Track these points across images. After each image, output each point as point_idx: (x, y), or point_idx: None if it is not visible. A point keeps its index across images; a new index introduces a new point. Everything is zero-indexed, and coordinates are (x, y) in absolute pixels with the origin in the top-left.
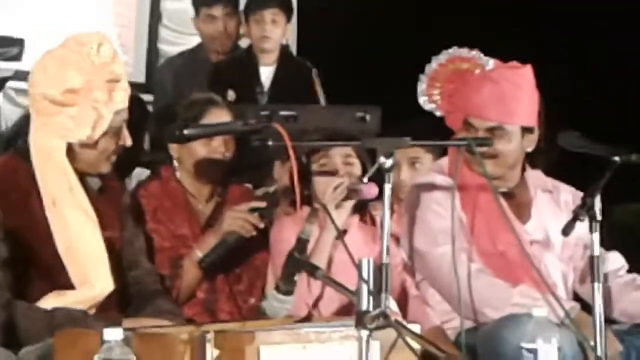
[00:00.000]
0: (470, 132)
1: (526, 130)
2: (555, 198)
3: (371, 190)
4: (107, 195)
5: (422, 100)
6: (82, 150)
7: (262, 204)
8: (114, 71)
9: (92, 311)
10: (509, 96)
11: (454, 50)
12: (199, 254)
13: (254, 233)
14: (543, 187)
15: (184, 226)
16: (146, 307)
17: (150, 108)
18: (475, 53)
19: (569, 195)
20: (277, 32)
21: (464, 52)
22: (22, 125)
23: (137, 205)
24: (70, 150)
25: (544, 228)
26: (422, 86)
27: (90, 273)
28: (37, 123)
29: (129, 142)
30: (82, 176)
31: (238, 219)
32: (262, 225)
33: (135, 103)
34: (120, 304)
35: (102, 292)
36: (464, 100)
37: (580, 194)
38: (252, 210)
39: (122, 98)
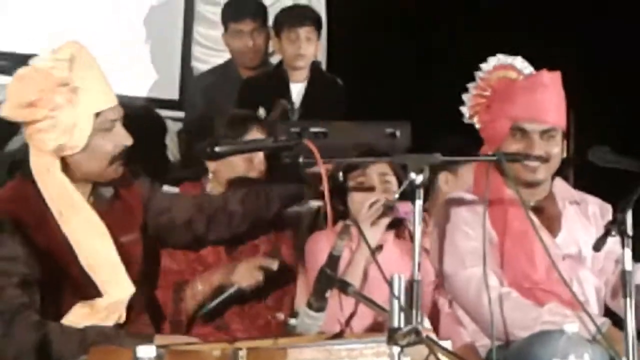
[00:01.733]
0: (517, 138)
1: (563, 136)
2: (583, 210)
3: (406, 208)
4: (122, 200)
5: (465, 110)
6: (78, 159)
7: (274, 265)
8: (64, 75)
9: (122, 319)
10: (557, 100)
11: (499, 58)
12: (199, 287)
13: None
14: (570, 199)
15: None
16: None
17: (181, 125)
18: (518, 60)
19: (596, 207)
20: (311, 50)
21: (509, 59)
22: (24, 149)
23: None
24: (67, 164)
25: (575, 241)
26: (466, 96)
27: (105, 281)
28: (30, 145)
29: (128, 141)
30: (95, 186)
31: (248, 273)
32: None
33: (152, 118)
34: (152, 318)
35: (121, 298)
36: (515, 105)
37: (607, 205)
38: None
39: (93, 99)
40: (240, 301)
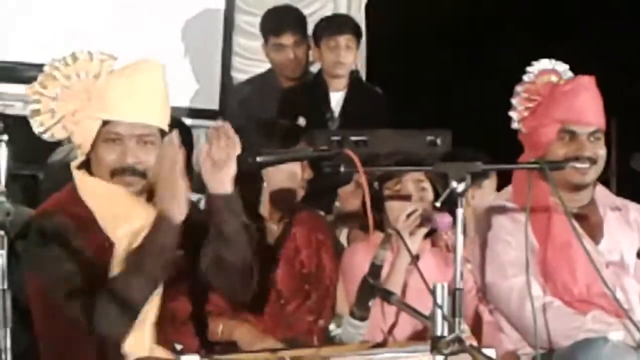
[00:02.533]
0: (565, 142)
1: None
2: (625, 216)
3: (444, 220)
4: None
5: (514, 115)
6: (92, 164)
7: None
8: (66, 72)
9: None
10: (598, 102)
11: (541, 64)
12: (219, 331)
13: None
14: (611, 205)
15: None
16: None
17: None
18: (559, 65)
19: (638, 214)
20: (350, 58)
21: (551, 64)
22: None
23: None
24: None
25: (618, 248)
26: (515, 100)
27: None
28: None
29: (130, 159)
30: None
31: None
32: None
33: (179, 128)
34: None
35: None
36: (561, 108)
37: None
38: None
39: (105, 107)
40: None
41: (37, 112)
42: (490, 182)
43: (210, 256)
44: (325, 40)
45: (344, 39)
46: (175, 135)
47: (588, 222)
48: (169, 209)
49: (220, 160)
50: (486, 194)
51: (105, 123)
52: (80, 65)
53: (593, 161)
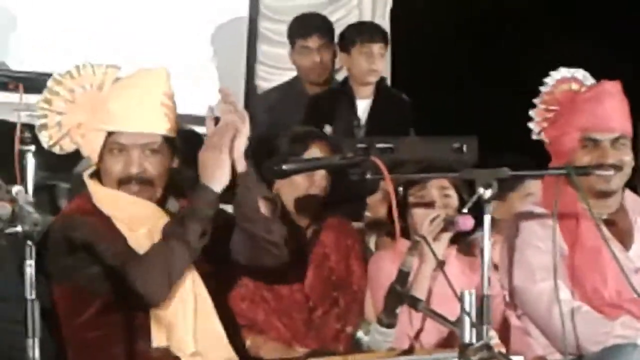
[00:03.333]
0: (589, 149)
1: (632, 145)
2: None
3: (467, 222)
4: None
5: (533, 126)
6: (102, 174)
7: None
8: (70, 85)
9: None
10: (622, 107)
11: (561, 72)
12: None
13: None
14: None
15: None
16: None
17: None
18: (580, 73)
19: None
20: (382, 65)
21: (571, 72)
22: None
23: None
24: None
25: None
26: (534, 112)
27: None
28: None
29: (134, 169)
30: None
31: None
32: None
33: (191, 137)
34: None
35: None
36: (582, 116)
37: None
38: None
39: (109, 119)
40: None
41: (44, 127)
42: (517, 195)
43: (235, 233)
44: (357, 47)
45: (377, 47)
46: (235, 105)
47: (617, 228)
48: (210, 177)
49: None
50: (513, 207)
51: (109, 134)
52: (83, 78)
53: (618, 168)
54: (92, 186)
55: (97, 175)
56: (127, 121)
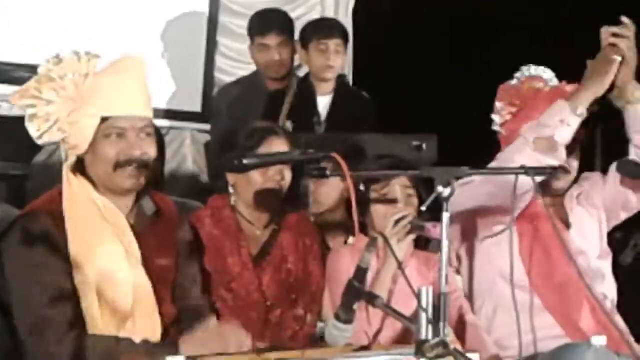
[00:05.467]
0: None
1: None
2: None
3: (437, 230)
4: (163, 220)
5: (496, 118)
6: (88, 163)
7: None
8: (59, 73)
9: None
10: None
11: (530, 70)
12: None
13: None
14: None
15: (233, 255)
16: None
17: (207, 137)
18: (547, 72)
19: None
20: (339, 62)
21: (539, 70)
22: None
23: (195, 233)
24: (84, 169)
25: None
26: (499, 104)
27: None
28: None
29: (136, 152)
30: (137, 200)
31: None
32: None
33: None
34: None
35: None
36: (538, 115)
37: None
38: None
39: (102, 104)
40: None
41: (33, 116)
42: None
43: None
44: (314, 44)
45: (333, 43)
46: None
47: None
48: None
49: None
50: None
51: (104, 120)
52: (68, 66)
53: (568, 171)
54: (71, 180)
55: (78, 169)
56: (123, 105)
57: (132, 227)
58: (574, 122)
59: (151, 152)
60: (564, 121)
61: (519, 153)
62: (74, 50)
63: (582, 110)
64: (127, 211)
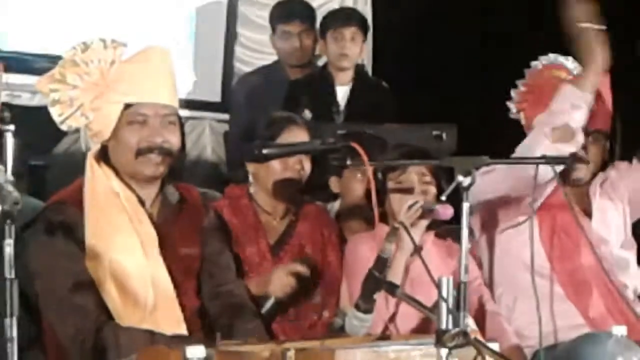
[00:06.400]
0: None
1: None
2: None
3: (446, 211)
4: (188, 209)
5: (512, 105)
6: (111, 150)
7: (305, 269)
8: (85, 58)
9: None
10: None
11: (551, 58)
12: None
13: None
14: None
15: (251, 244)
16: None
17: (226, 127)
18: (569, 61)
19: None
20: (355, 50)
21: (560, 59)
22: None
23: (221, 220)
24: (107, 158)
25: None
26: (517, 92)
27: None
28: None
29: (158, 138)
30: (161, 189)
31: (282, 282)
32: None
33: None
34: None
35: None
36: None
37: None
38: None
39: (126, 91)
40: (283, 310)
41: (56, 102)
42: None
43: None
44: (331, 32)
45: (349, 31)
46: None
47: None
48: None
49: None
50: None
51: (127, 106)
52: (94, 53)
53: (587, 161)
54: (95, 167)
55: (102, 156)
56: (147, 92)
57: (156, 215)
58: (585, 103)
59: (173, 140)
60: (575, 105)
61: (538, 145)
62: (101, 37)
63: (591, 89)
64: (151, 199)
